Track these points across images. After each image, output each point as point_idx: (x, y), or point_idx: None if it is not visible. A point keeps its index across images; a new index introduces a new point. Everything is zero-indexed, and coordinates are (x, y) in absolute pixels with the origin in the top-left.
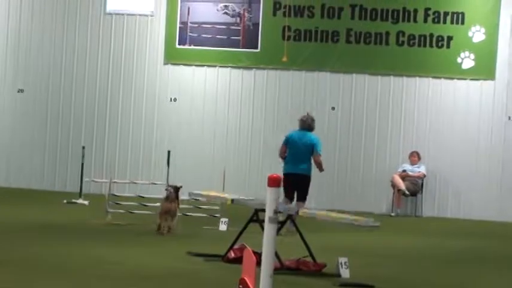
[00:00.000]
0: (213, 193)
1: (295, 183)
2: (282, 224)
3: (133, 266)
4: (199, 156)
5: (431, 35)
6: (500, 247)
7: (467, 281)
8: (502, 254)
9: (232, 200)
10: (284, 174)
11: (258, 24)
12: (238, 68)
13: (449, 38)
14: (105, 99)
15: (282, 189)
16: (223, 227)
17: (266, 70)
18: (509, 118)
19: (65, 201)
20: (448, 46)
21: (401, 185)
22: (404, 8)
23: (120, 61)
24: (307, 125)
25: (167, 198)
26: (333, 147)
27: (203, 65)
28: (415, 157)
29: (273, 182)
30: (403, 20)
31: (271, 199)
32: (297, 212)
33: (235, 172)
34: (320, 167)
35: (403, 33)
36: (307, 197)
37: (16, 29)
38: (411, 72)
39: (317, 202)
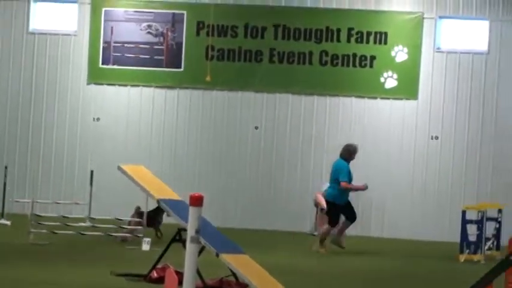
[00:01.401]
0: None
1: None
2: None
3: (56, 286)
4: (123, 176)
5: (354, 55)
6: (424, 266)
7: None
8: (425, 273)
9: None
10: None
11: (182, 43)
12: (162, 87)
13: (372, 58)
14: (28, 118)
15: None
16: (146, 246)
17: (189, 90)
18: (432, 138)
19: None
20: (371, 66)
21: (324, 204)
22: (327, 28)
23: (43, 81)
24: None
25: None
26: (256, 166)
27: (126, 85)
28: None
29: (195, 201)
30: (327, 40)
31: (193, 218)
32: None
33: None
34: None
35: (327, 53)
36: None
37: None
38: (334, 92)
39: (241, 221)
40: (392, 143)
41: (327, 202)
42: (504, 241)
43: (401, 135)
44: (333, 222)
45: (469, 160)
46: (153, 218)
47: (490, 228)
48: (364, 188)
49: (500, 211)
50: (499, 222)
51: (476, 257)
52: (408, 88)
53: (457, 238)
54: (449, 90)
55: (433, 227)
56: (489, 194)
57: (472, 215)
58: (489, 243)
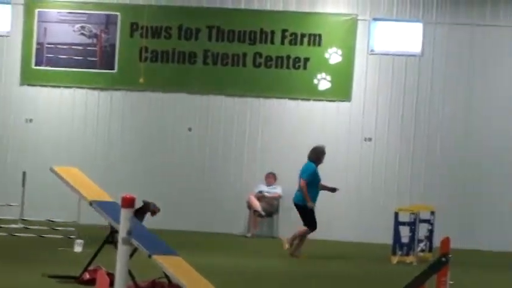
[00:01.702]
0: None
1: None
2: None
3: None
4: (56, 177)
5: (288, 57)
6: (357, 267)
7: None
8: (358, 274)
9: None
10: None
11: (115, 45)
12: (95, 89)
13: (306, 60)
14: None
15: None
16: (78, 248)
17: (123, 91)
18: (365, 139)
19: None
20: (304, 67)
21: (257, 206)
22: (261, 30)
23: None
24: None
25: None
26: (189, 168)
27: (59, 86)
28: (271, 178)
29: (126, 202)
30: (261, 42)
31: (124, 220)
32: None
33: None
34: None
35: (260, 55)
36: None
37: None
38: (268, 94)
39: (174, 223)
40: (326, 145)
41: (297, 206)
42: (436, 243)
43: (334, 136)
44: (310, 224)
45: (402, 162)
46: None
47: (422, 230)
48: (312, 206)
49: (432, 213)
50: (432, 224)
51: (408, 259)
52: (342, 90)
53: (390, 240)
54: (383, 92)
55: (366, 229)
56: (422, 195)
57: (404, 217)
58: (422, 244)
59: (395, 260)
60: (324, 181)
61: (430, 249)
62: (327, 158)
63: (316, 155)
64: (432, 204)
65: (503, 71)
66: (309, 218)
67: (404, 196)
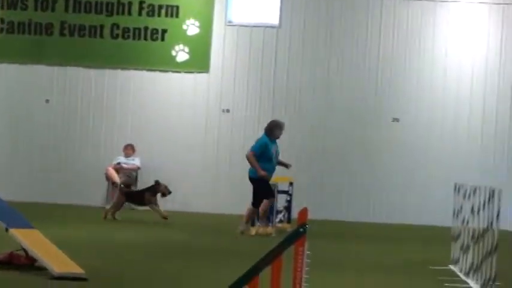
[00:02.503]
0: None
1: None
2: None
3: None
4: None
5: (145, 28)
6: (208, 240)
7: (178, 274)
8: (211, 247)
9: None
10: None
11: None
12: None
13: (164, 31)
14: None
15: None
16: None
17: None
18: (223, 111)
19: None
20: (162, 39)
21: (116, 177)
22: (118, 1)
23: None
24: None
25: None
26: (47, 140)
27: None
28: (129, 150)
29: None
30: (118, 13)
31: None
32: None
33: None
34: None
35: (118, 26)
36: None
37: None
38: (126, 65)
39: (30, 195)
40: (185, 116)
41: (251, 180)
42: (295, 213)
43: (193, 108)
44: (267, 195)
45: (261, 133)
46: (141, 195)
47: (281, 201)
48: (263, 174)
49: (291, 184)
50: (290, 195)
51: (267, 230)
52: (200, 61)
53: None
54: (241, 63)
55: (225, 201)
56: (281, 167)
57: None
58: (280, 215)
59: (254, 231)
60: (183, 153)
61: (289, 220)
62: (185, 130)
63: (269, 128)
64: (291, 175)
65: (359, 41)
66: (263, 189)
67: None
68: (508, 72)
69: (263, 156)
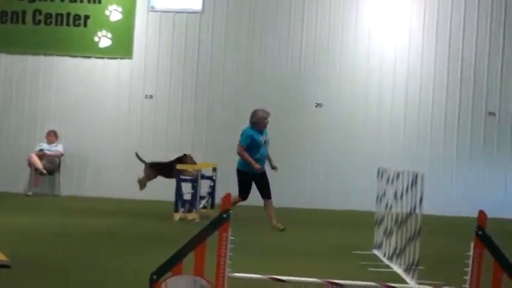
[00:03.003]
0: None
1: None
2: None
3: None
4: None
5: (68, 14)
6: (140, 225)
7: (101, 260)
8: (135, 233)
9: None
10: None
11: None
12: None
13: (87, 17)
14: None
15: None
16: None
17: None
18: (146, 96)
19: None
20: (85, 25)
21: (39, 164)
22: None
23: None
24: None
25: None
26: None
27: None
28: (52, 136)
29: None
30: None
31: None
32: None
33: None
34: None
35: (40, 12)
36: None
37: None
38: (49, 51)
39: None
40: (108, 102)
41: (238, 171)
42: (218, 199)
43: (116, 94)
44: (241, 193)
45: (184, 119)
46: (164, 169)
47: (205, 186)
48: (257, 167)
49: (214, 169)
50: (214, 181)
51: (191, 216)
52: (123, 47)
53: (173, 197)
54: (164, 49)
55: (148, 186)
56: (205, 152)
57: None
58: (204, 201)
59: (177, 217)
60: (107, 139)
61: (212, 205)
62: (108, 115)
63: (251, 118)
64: (215, 161)
65: (282, 28)
66: (240, 186)
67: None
68: (429, 57)
69: (253, 147)
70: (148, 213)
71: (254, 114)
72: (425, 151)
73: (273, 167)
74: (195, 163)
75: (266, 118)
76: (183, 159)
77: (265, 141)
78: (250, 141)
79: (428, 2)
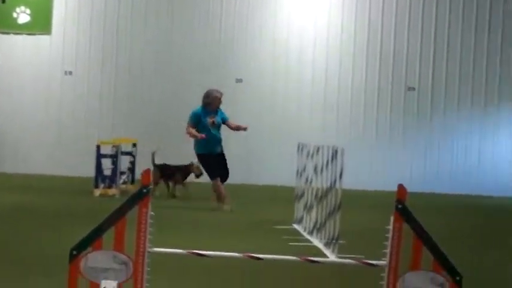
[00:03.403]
0: None
1: None
2: None
3: None
4: None
5: None
6: (59, 201)
7: (18, 237)
8: (53, 209)
9: None
10: None
11: None
12: None
13: None
14: None
15: None
16: None
17: None
18: (66, 72)
19: None
20: (3, 1)
21: None
22: None
23: None
24: None
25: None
26: None
27: None
28: None
29: None
30: None
31: None
32: None
33: None
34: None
35: None
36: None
37: None
38: None
39: None
40: (27, 78)
41: (198, 156)
42: (138, 174)
43: (36, 70)
44: (212, 175)
45: (104, 94)
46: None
47: (125, 162)
48: (201, 136)
49: (134, 145)
50: (134, 156)
51: (111, 191)
52: (42, 23)
53: (93, 173)
54: (82, 25)
55: (68, 162)
56: (125, 128)
57: (106, 150)
58: (124, 177)
59: (97, 192)
60: (24, 114)
61: (133, 180)
62: (28, 91)
63: (204, 98)
64: (134, 136)
65: (201, 4)
66: (206, 169)
67: (106, 129)
68: (349, 30)
69: (199, 127)
70: (69, 189)
71: (208, 94)
72: (345, 124)
73: (239, 128)
74: (201, 173)
75: (219, 98)
76: (189, 167)
77: (214, 120)
78: (196, 120)
79: None
